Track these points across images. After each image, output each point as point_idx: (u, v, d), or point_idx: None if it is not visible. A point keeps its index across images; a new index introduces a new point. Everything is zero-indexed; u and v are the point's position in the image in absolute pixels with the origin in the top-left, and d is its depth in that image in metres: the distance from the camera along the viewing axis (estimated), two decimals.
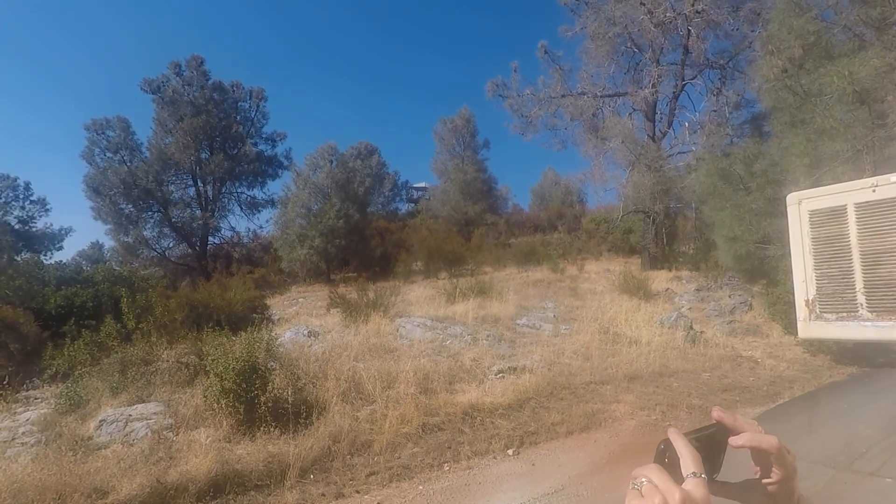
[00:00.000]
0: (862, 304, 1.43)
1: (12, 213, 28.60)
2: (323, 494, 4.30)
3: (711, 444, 0.62)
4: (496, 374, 7.39)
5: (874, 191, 1.41)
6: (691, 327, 10.13)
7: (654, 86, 19.93)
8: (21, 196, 30.00)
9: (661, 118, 21.26)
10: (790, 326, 8.80)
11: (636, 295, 13.13)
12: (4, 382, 6.79)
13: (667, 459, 0.59)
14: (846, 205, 1.46)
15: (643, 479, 0.57)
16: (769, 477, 0.65)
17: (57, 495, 3.90)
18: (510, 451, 5.08)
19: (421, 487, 4.40)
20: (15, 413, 6.52)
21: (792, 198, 1.61)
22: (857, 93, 7.00)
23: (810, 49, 8.04)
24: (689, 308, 12.61)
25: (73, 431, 5.66)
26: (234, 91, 31.03)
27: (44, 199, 30.50)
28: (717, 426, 0.64)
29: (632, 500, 0.57)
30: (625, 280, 14.14)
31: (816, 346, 8.59)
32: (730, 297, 13.03)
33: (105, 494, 4.03)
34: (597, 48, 20.39)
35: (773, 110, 9.12)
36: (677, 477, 0.56)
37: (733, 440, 0.63)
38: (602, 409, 6.12)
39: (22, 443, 5.49)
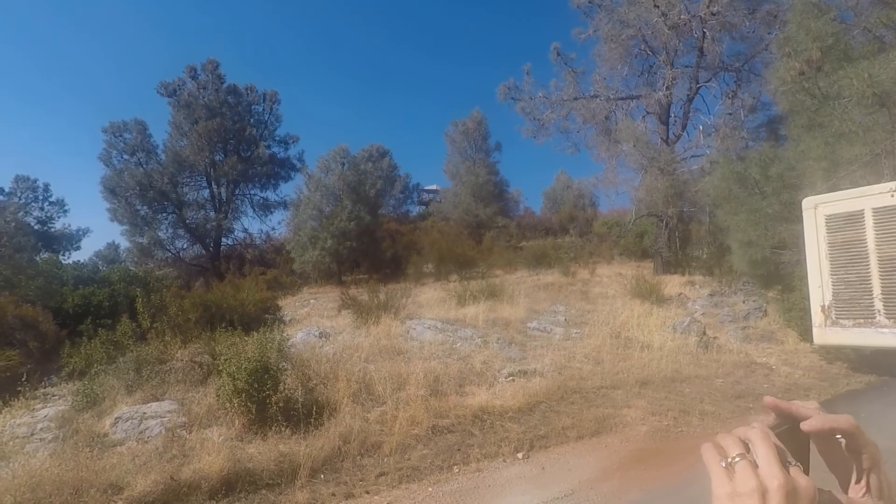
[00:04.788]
0: (879, 311, 1.41)
1: (32, 214, 29.24)
2: (333, 494, 4.33)
3: (790, 443, 0.53)
4: (506, 378, 7.37)
5: (893, 195, 1.40)
6: (704, 333, 10.01)
7: (667, 88, 19.76)
8: (40, 197, 30.71)
9: (675, 121, 21.05)
10: (806, 333, 8.66)
11: (648, 299, 13.01)
12: (23, 380, 6.92)
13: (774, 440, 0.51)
14: (863, 209, 1.44)
15: (736, 456, 0.49)
16: (849, 468, 0.56)
17: (74, 490, 3.97)
18: (520, 455, 5.06)
19: (430, 489, 4.41)
20: (33, 410, 6.65)
21: (808, 202, 1.60)
22: (876, 96, 6.88)
23: (829, 51, 7.92)
24: (703, 313, 12.47)
25: (90, 428, 5.75)
26: (248, 94, 31.39)
27: (62, 201, 31.25)
28: (791, 422, 0.56)
29: (718, 479, 0.49)
30: (637, 284, 14.02)
31: (833, 354, 8.44)
32: (744, 302, 12.86)
33: (120, 490, 4.10)
34: (610, 51, 20.28)
35: (790, 113, 8.99)
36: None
37: (805, 425, 0.54)
38: (613, 414, 6.07)
39: (40, 439, 5.59)
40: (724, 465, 0.50)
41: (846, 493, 0.56)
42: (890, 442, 4.80)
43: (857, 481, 0.56)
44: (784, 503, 0.46)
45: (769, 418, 0.57)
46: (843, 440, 0.56)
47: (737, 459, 0.49)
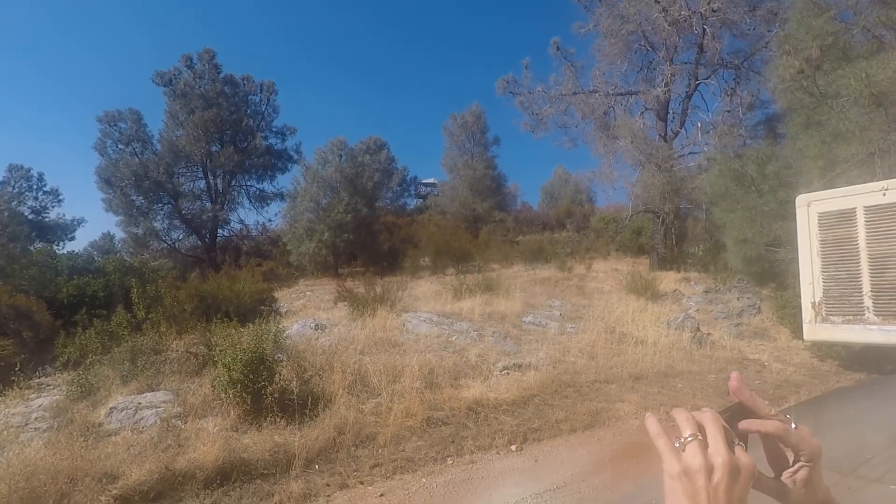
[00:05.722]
0: (869, 308, 1.42)
1: (26, 204, 29.05)
2: (328, 484, 4.36)
3: (735, 426, 0.59)
4: (501, 371, 7.41)
5: (884, 194, 1.41)
6: (698, 329, 10.08)
7: (666, 85, 19.75)
8: (34, 187, 30.49)
9: (674, 118, 21.07)
10: (799, 330, 8.70)
11: (643, 295, 13.08)
12: (17, 369, 6.92)
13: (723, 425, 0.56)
14: (855, 208, 1.45)
15: (688, 436, 0.54)
16: (786, 460, 0.62)
17: (69, 479, 3.98)
18: (513, 447, 5.11)
19: (424, 480, 4.45)
20: (28, 399, 6.65)
21: (801, 200, 1.61)
22: (874, 95, 6.90)
23: (828, 50, 7.93)
24: (697, 310, 12.54)
25: (85, 418, 5.76)
26: (244, 84, 31.16)
27: (56, 190, 31.03)
28: (739, 407, 0.61)
29: (668, 458, 0.54)
30: (632, 280, 14.08)
31: (825, 351, 8.52)
32: (738, 299, 12.94)
33: (115, 479, 4.11)
34: (610, 46, 20.24)
35: (788, 112, 9.01)
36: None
37: (741, 425, 0.59)
38: (606, 408, 6.12)
39: (35, 428, 5.60)
40: (677, 444, 0.54)
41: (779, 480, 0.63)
42: (878, 438, 4.87)
43: (789, 472, 0.62)
44: (727, 478, 0.51)
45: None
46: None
47: (689, 439, 0.54)
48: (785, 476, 0.62)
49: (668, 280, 16.15)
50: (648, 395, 6.70)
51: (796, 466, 0.62)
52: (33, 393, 7.02)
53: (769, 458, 0.65)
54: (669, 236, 20.07)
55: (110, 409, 5.81)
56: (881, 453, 4.47)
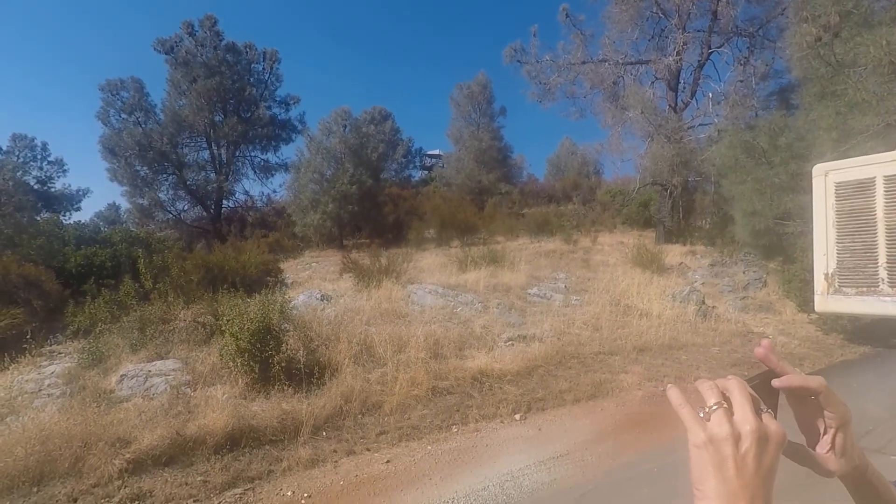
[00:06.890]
0: (883, 279, 1.39)
1: (31, 174, 29.01)
2: (335, 451, 4.45)
3: (763, 394, 0.57)
4: (506, 342, 7.47)
5: None
6: (703, 302, 10.08)
7: (678, 53, 19.20)
8: (39, 157, 30.40)
9: (685, 88, 20.54)
10: (804, 304, 8.72)
11: (649, 268, 13.04)
12: (29, 337, 7.03)
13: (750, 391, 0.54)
14: (875, 177, 1.41)
15: (713, 405, 0.52)
16: (819, 428, 0.62)
17: (83, 443, 4.09)
18: (517, 416, 5.18)
19: (429, 447, 4.53)
20: (40, 366, 6.78)
21: (818, 169, 1.56)
22: (893, 64, 6.69)
23: (847, 16, 7.64)
24: (703, 283, 12.52)
25: (96, 385, 5.88)
26: (247, 53, 30.60)
27: (61, 160, 30.93)
28: (767, 374, 0.60)
29: (694, 427, 0.52)
30: (638, 253, 14.02)
31: (829, 325, 8.52)
32: (744, 273, 12.90)
33: (128, 444, 4.21)
34: (621, 13, 19.60)
35: (803, 81, 8.77)
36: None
37: (776, 382, 0.58)
38: (610, 379, 6.18)
39: (48, 394, 5.72)
40: (702, 414, 0.53)
41: (813, 450, 0.63)
42: (880, 411, 4.90)
43: (824, 439, 0.62)
44: (755, 446, 0.49)
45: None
46: (816, 399, 0.61)
47: (714, 408, 0.52)
48: (822, 447, 0.62)
49: (674, 253, 16.07)
50: (652, 366, 6.75)
51: (831, 434, 0.61)
52: (45, 360, 7.14)
53: (802, 427, 0.64)
54: (677, 209, 19.87)
55: (121, 376, 5.92)
56: (882, 425, 4.50)
